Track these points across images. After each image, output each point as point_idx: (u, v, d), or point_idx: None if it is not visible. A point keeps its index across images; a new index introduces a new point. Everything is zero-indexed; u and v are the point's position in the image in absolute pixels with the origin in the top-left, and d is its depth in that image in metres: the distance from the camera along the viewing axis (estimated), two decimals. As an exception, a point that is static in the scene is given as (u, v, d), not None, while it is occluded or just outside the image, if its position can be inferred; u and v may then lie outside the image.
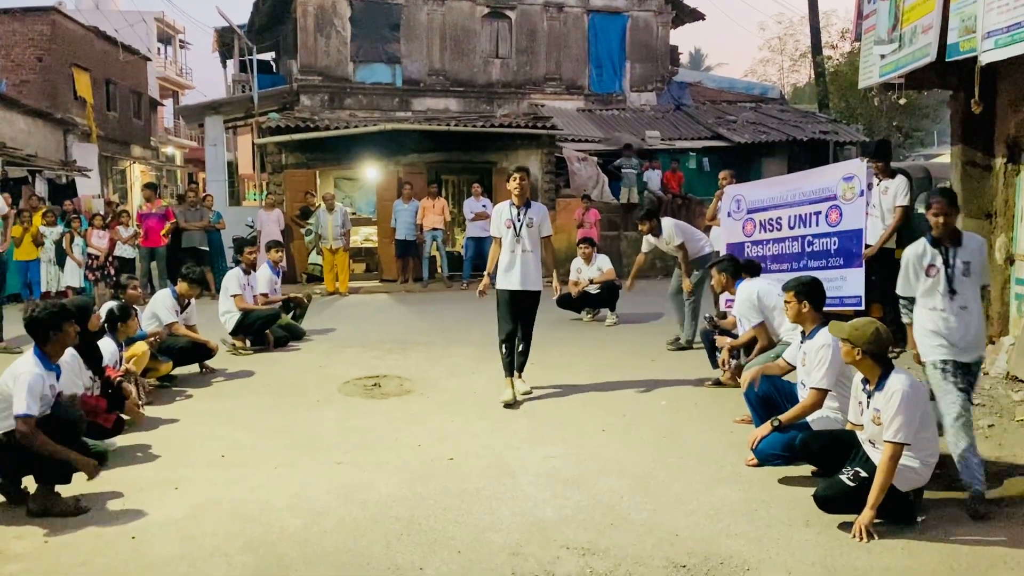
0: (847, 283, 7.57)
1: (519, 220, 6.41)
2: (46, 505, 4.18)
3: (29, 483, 4.31)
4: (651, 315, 10.33)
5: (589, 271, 10.23)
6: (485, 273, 6.72)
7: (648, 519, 4.06)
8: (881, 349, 3.95)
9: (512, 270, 6.40)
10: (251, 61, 19.02)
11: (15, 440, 4.13)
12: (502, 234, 6.48)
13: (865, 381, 4.05)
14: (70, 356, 4.88)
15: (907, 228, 7.78)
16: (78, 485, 4.39)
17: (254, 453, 5.17)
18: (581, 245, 10.56)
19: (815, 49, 23.37)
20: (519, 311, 6.49)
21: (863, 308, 7.28)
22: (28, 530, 4.00)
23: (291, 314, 9.40)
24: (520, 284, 6.40)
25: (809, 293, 4.75)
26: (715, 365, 6.98)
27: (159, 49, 41.27)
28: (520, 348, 6.59)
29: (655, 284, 12.03)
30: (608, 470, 4.77)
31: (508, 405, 6.20)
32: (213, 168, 18.78)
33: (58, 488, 4.26)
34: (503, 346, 6.48)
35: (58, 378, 4.49)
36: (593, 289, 10.10)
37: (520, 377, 6.60)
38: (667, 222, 8.73)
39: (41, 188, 17.16)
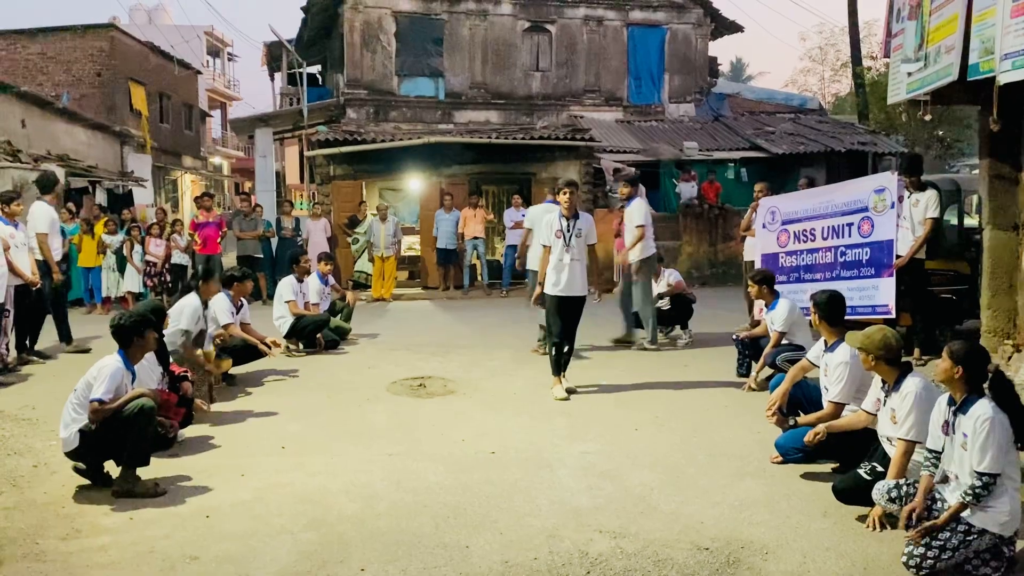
0: (879, 292, 7.79)
1: (569, 231, 6.87)
2: (128, 487, 4.63)
3: (111, 468, 4.78)
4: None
5: (658, 287, 9.45)
6: (537, 283, 7.17)
7: (676, 509, 4.38)
8: (892, 354, 4.23)
9: (561, 277, 6.86)
10: (301, 75, 19.69)
11: (95, 428, 4.61)
12: (551, 243, 6.92)
13: (884, 382, 4.34)
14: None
15: (936, 239, 8.00)
16: (154, 470, 4.85)
17: (311, 444, 5.59)
18: None
19: (854, 60, 23.37)
20: (567, 314, 6.93)
21: (894, 316, 7.51)
22: (114, 508, 4.45)
23: (339, 315, 9.89)
24: (568, 290, 6.86)
25: (824, 308, 5.09)
26: (742, 373, 7.48)
27: (207, 62, 42.52)
28: (565, 349, 7.02)
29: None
30: (640, 464, 5.10)
31: (562, 400, 6.69)
32: (263, 179, 19.45)
33: (138, 472, 4.71)
34: (554, 347, 6.92)
35: (133, 380, 4.96)
36: (664, 305, 9.44)
37: (564, 376, 7.02)
38: (639, 201, 9.01)
39: (101, 198, 17.96)
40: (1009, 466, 3.61)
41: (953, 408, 3.76)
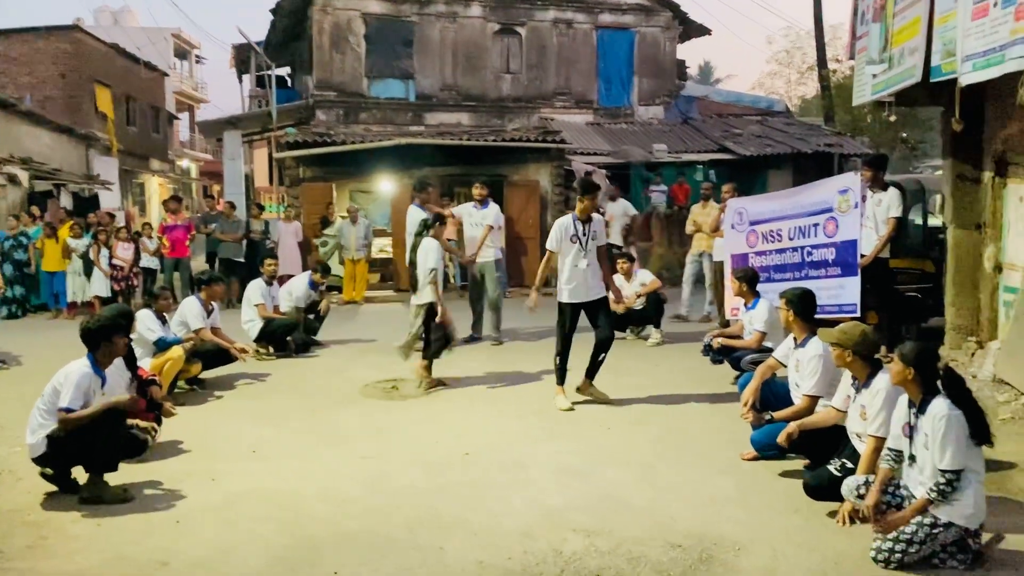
0: (845, 291, 7.88)
1: (585, 235, 6.58)
2: (96, 493, 4.56)
3: (79, 474, 4.70)
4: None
5: (631, 288, 9.47)
6: (533, 288, 6.96)
7: (648, 506, 4.42)
8: (867, 349, 4.29)
9: (576, 283, 6.58)
10: (270, 77, 19.53)
11: (63, 433, 4.54)
12: (563, 249, 6.62)
13: (854, 378, 4.40)
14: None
15: (899, 238, 8.14)
16: (123, 475, 4.78)
17: (283, 448, 5.55)
18: (620, 260, 9.81)
19: (820, 63, 23.67)
20: (592, 319, 6.67)
21: (859, 315, 7.61)
22: (82, 515, 4.38)
23: (317, 313, 9.82)
24: (586, 296, 6.60)
25: (796, 304, 5.13)
26: (711, 359, 7.38)
27: (175, 64, 42.02)
28: (601, 357, 6.75)
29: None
30: (614, 463, 5.13)
31: (566, 410, 6.44)
32: (231, 181, 19.24)
33: (106, 477, 4.64)
34: (558, 358, 6.63)
35: (103, 384, 4.89)
36: (638, 304, 9.48)
37: (591, 383, 6.79)
38: (494, 205, 9.83)
39: (66, 201, 17.66)
40: (972, 460, 3.68)
41: (914, 410, 3.83)
